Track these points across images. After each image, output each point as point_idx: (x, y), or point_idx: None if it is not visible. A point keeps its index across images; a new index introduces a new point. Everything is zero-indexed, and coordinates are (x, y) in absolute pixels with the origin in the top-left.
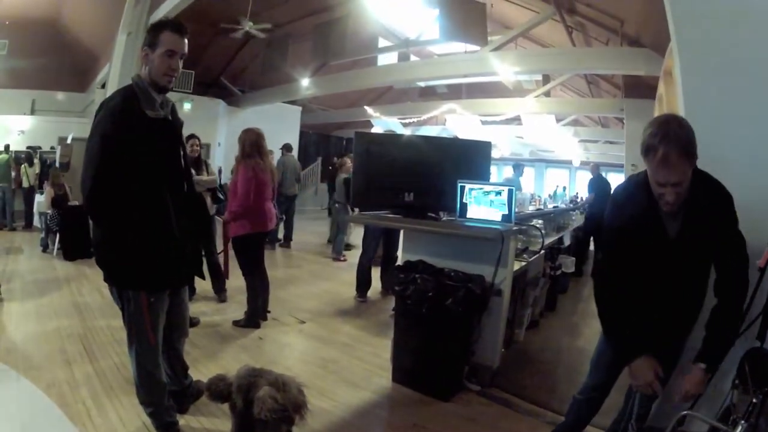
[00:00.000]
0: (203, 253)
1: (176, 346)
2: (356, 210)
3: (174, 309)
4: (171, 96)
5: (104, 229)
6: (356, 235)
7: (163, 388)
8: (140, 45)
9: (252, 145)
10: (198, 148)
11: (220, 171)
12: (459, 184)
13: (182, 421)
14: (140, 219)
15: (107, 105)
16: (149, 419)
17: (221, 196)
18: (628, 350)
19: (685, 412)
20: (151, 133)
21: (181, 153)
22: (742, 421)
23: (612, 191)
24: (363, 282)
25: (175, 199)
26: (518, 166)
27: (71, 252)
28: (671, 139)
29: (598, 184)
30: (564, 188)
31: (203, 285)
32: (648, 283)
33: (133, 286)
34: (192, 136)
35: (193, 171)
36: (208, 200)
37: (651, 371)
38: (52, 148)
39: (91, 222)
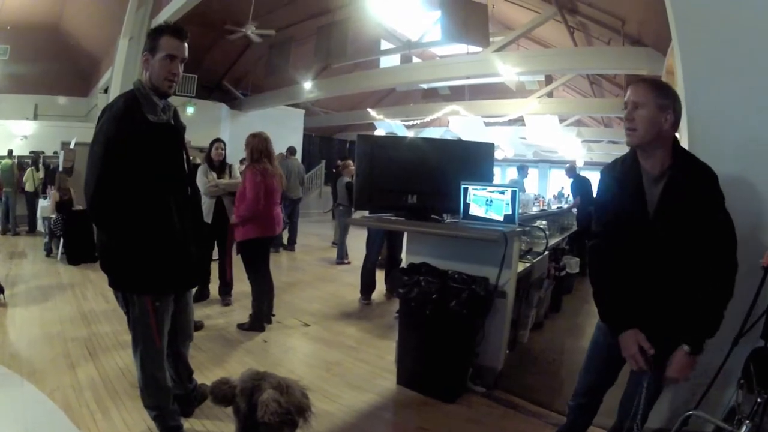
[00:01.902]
0: (218, 255)
1: (181, 350)
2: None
3: (179, 313)
4: (174, 100)
5: (107, 233)
6: (357, 237)
7: (168, 391)
8: (142, 50)
9: (259, 150)
10: (223, 151)
11: None
12: (462, 186)
13: (187, 424)
14: (143, 223)
15: (109, 110)
16: (154, 423)
17: None
18: (616, 323)
19: (691, 412)
20: (153, 137)
21: (184, 157)
22: (747, 421)
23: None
24: (367, 284)
25: (178, 204)
26: (522, 168)
27: (75, 256)
28: (646, 77)
29: (580, 186)
30: None
31: (209, 288)
32: (634, 268)
33: (137, 290)
34: (217, 140)
35: (214, 175)
36: (228, 204)
37: (634, 344)
38: (55, 152)
39: (94, 226)
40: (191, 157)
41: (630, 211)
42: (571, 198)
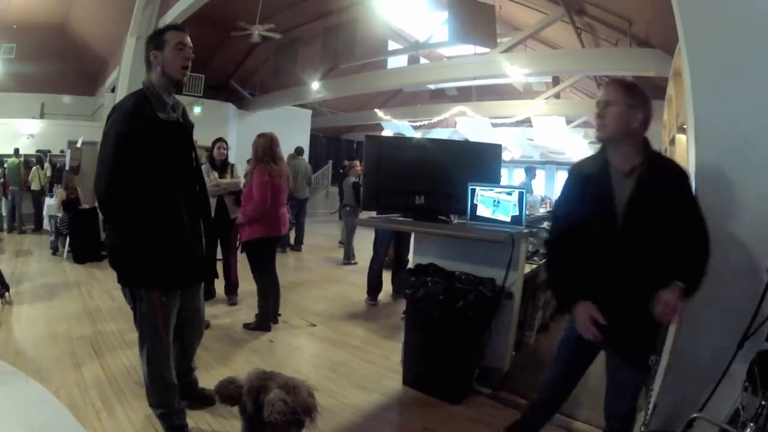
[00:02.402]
0: (221, 254)
1: (186, 345)
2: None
3: (191, 312)
4: (181, 100)
5: (117, 228)
6: (365, 237)
7: (174, 389)
8: (147, 51)
9: (264, 150)
10: (225, 151)
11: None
12: (470, 187)
13: (192, 423)
14: (152, 219)
15: (120, 108)
16: (159, 421)
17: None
18: (568, 298)
19: (695, 415)
20: (163, 135)
21: (193, 155)
22: (751, 424)
23: None
24: (374, 285)
25: (186, 200)
26: (530, 170)
27: (81, 255)
28: (619, 79)
29: None
30: None
31: (215, 288)
32: (598, 260)
33: (145, 285)
34: (220, 140)
35: (216, 174)
36: (230, 203)
37: (586, 313)
38: (61, 151)
39: (104, 223)
40: (198, 156)
41: (597, 204)
42: None
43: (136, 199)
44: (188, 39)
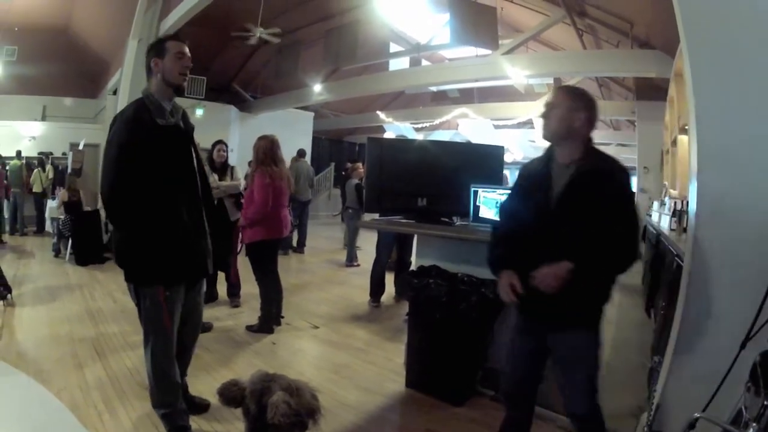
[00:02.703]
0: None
1: (186, 344)
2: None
3: (188, 306)
4: (183, 102)
5: (120, 229)
6: (367, 240)
7: (178, 389)
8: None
9: (265, 152)
10: (224, 153)
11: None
12: (472, 189)
13: (195, 425)
14: (153, 220)
15: (121, 117)
16: (162, 422)
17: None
18: (496, 267)
19: (697, 415)
20: (163, 139)
21: (194, 156)
22: (754, 424)
23: None
24: (376, 287)
25: (187, 200)
26: None
27: (83, 257)
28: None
29: None
30: None
31: (218, 290)
32: (531, 245)
33: (149, 281)
34: (219, 142)
35: (215, 176)
36: (230, 205)
37: (507, 280)
38: (63, 154)
39: (110, 225)
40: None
41: (536, 191)
42: None
43: (137, 202)
44: (187, 49)
